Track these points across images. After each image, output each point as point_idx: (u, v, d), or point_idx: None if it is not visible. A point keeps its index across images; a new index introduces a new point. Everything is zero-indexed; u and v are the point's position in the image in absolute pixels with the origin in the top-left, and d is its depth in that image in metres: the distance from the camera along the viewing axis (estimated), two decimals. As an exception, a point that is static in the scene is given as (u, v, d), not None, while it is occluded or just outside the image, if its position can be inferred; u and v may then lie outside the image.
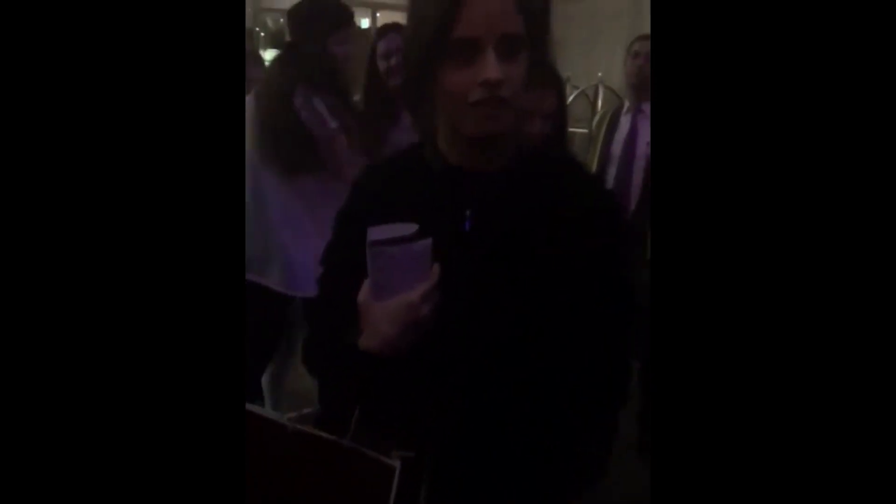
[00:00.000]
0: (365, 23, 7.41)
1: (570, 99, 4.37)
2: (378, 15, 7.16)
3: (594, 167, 2.47)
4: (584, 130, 3.60)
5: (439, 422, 0.78)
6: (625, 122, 2.47)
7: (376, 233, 0.69)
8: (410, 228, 0.69)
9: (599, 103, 4.31)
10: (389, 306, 0.70)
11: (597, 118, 2.83)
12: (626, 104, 2.52)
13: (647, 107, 2.46)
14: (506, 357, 0.74)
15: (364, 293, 0.72)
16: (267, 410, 0.79)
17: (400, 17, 2.13)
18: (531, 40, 0.73)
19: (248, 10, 5.51)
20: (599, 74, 4.42)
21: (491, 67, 0.69)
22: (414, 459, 0.71)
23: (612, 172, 2.42)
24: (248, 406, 0.74)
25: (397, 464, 0.70)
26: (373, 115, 2.02)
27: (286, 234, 1.81)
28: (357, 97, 2.10)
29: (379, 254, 0.69)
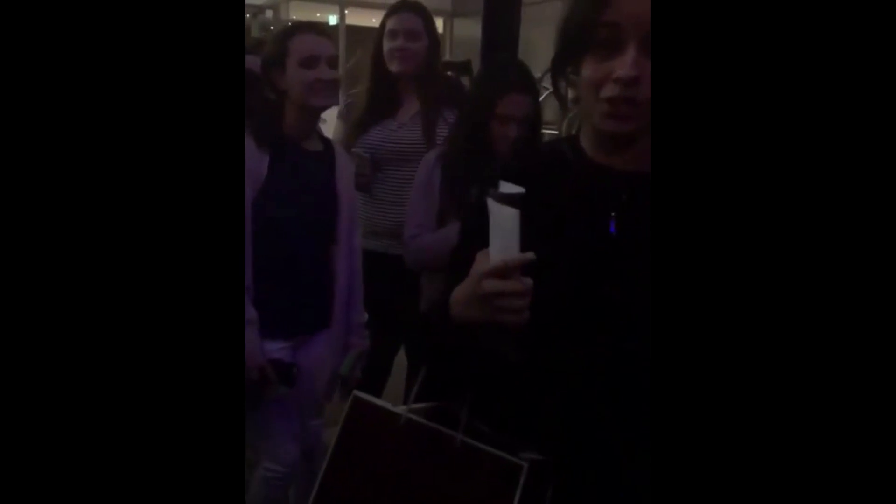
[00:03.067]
0: (332, 19, 7.35)
1: (541, 99, 4.38)
2: (346, 12, 7.10)
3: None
4: (555, 132, 3.61)
5: (565, 424, 0.75)
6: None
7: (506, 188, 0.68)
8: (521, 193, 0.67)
9: (569, 104, 4.32)
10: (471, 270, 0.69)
11: (566, 121, 2.83)
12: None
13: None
14: (637, 364, 0.71)
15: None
16: (379, 400, 0.77)
17: (370, 15, 2.02)
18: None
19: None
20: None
21: (629, 63, 0.67)
22: (541, 462, 0.69)
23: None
24: (358, 394, 0.76)
25: (525, 464, 0.67)
26: (376, 101, 1.87)
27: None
28: (354, 91, 1.99)
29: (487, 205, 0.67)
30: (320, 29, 1.51)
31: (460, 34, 7.66)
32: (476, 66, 2.35)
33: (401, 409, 0.74)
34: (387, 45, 1.82)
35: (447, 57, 7.17)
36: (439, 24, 7.83)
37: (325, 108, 1.50)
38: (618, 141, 0.74)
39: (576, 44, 0.71)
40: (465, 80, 2.32)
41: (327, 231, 1.56)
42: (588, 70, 0.70)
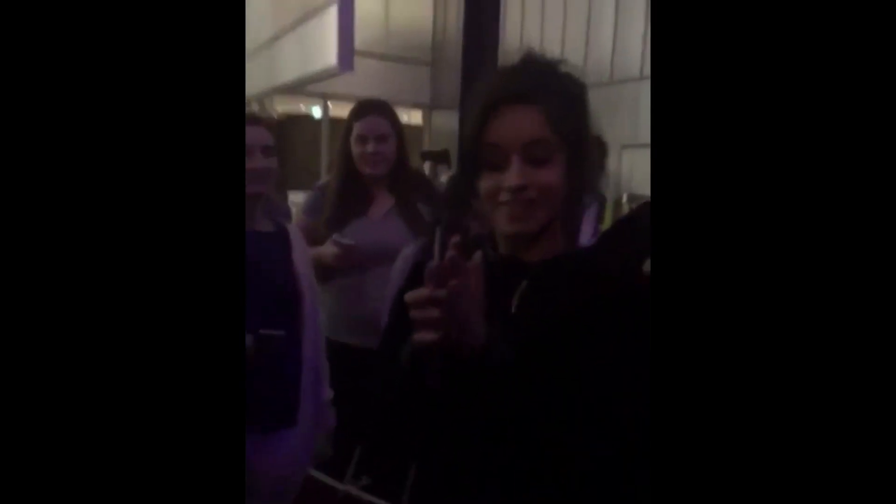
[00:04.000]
0: (317, 112, 7.60)
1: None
2: (329, 105, 7.36)
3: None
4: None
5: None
6: (569, 214, 2.56)
7: None
8: None
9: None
10: None
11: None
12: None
13: (587, 200, 2.55)
14: (539, 439, 0.76)
15: None
16: (325, 476, 0.77)
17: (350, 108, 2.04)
18: (565, 144, 0.78)
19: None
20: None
21: (514, 175, 0.76)
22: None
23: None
24: (311, 471, 0.75)
25: None
26: (344, 201, 1.85)
27: None
28: (321, 182, 1.98)
29: None
30: (251, 118, 1.51)
31: (438, 125, 7.95)
32: (454, 155, 2.43)
33: (340, 485, 0.75)
34: (357, 149, 1.82)
35: (425, 147, 7.39)
36: (417, 116, 8.14)
37: (258, 195, 1.47)
38: (519, 239, 0.82)
39: (469, 162, 0.81)
40: (443, 169, 2.39)
41: (288, 314, 1.51)
42: (483, 184, 0.79)
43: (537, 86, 0.79)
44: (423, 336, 0.68)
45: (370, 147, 1.81)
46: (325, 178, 2.01)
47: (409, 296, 0.68)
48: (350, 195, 1.85)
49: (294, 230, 1.60)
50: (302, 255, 1.57)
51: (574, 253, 0.89)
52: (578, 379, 0.76)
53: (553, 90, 0.80)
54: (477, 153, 0.79)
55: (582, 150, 0.83)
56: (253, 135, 1.44)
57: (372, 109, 1.84)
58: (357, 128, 1.82)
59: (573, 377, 0.77)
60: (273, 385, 1.48)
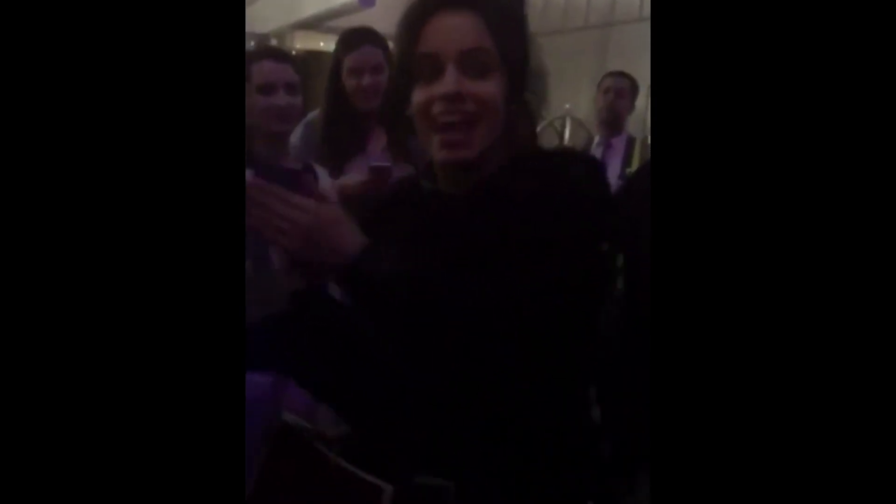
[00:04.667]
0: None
1: (538, 130, 4.42)
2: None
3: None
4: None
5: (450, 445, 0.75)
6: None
7: None
8: None
9: (567, 135, 4.40)
10: None
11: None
12: (596, 139, 2.57)
13: (615, 141, 2.51)
14: (498, 370, 0.71)
15: None
16: (295, 420, 0.78)
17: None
18: (505, 61, 0.72)
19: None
20: (567, 106, 4.51)
21: (449, 81, 0.69)
22: (437, 487, 0.69)
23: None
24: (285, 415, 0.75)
25: (389, 489, 0.68)
26: (336, 140, 1.75)
27: None
28: (310, 117, 1.86)
29: None
30: (278, 55, 1.48)
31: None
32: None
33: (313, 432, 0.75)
34: (350, 82, 1.70)
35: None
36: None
37: (286, 133, 1.46)
38: (457, 171, 0.75)
39: (402, 77, 0.74)
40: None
41: None
42: (416, 97, 0.73)
43: None
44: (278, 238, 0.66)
45: (366, 80, 1.69)
46: (312, 113, 1.87)
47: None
48: (346, 132, 1.76)
49: (320, 169, 1.58)
50: (330, 195, 1.55)
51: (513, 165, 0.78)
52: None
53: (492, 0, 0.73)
54: (411, 64, 0.72)
55: (523, 72, 0.76)
56: (277, 72, 1.41)
57: (364, 39, 1.71)
58: (350, 60, 1.70)
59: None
60: None
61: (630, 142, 2.53)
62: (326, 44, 7.59)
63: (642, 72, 3.33)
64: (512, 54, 0.74)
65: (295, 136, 1.85)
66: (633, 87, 2.58)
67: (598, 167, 0.82)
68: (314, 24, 6.01)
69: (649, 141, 2.71)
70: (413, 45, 0.72)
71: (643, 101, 2.85)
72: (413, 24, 0.72)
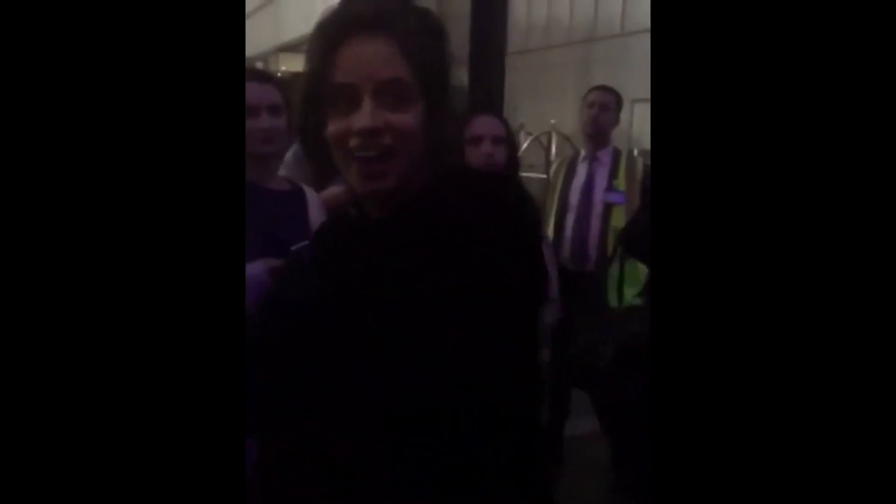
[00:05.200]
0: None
1: (525, 145, 4.46)
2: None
3: (553, 214, 2.51)
4: (543, 176, 3.68)
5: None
6: (581, 171, 2.54)
7: None
8: None
9: (553, 149, 4.43)
10: None
11: (554, 166, 2.90)
12: (583, 153, 2.59)
13: (602, 154, 2.53)
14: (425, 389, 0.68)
15: None
16: None
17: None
18: (424, 90, 0.69)
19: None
20: (552, 122, 4.55)
21: (365, 115, 0.65)
22: None
23: (570, 219, 2.46)
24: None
25: None
26: (313, 160, 1.80)
27: None
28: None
29: None
30: (260, 76, 1.44)
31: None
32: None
33: None
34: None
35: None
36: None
37: (271, 155, 1.43)
38: (376, 199, 0.72)
39: (313, 104, 0.70)
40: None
41: None
42: (331, 127, 0.69)
43: (391, 14, 0.67)
44: None
45: (264, 121, 1.66)
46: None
47: None
48: (321, 157, 1.74)
49: (310, 190, 1.56)
50: (318, 215, 1.53)
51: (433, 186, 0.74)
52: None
53: (409, 22, 0.68)
54: (324, 94, 0.68)
55: (445, 99, 0.71)
56: (260, 93, 1.39)
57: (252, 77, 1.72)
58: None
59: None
60: None
61: (616, 154, 2.56)
62: (311, 65, 7.65)
63: (625, 86, 3.37)
64: (431, 80, 0.69)
65: (288, 155, 1.86)
66: (618, 101, 2.61)
67: (522, 189, 0.80)
68: (298, 46, 6.03)
69: (635, 153, 2.74)
70: (327, 73, 0.67)
71: (627, 115, 2.88)
72: (326, 48, 0.67)
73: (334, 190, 1.70)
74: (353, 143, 0.67)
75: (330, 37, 0.67)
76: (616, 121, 2.62)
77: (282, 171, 1.82)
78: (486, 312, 0.66)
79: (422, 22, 0.70)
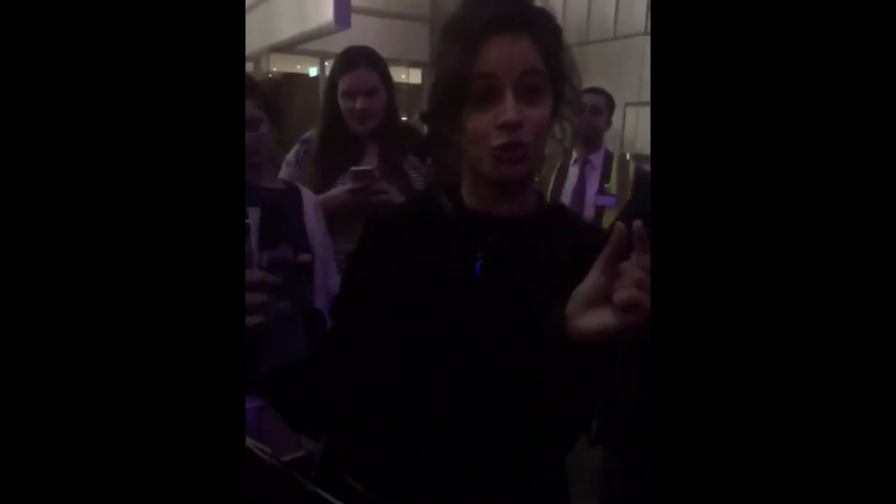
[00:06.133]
0: (313, 71, 7.47)
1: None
2: (326, 64, 7.22)
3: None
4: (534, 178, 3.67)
5: (423, 472, 0.75)
6: (573, 173, 2.53)
7: None
8: None
9: (546, 152, 4.41)
10: None
11: (544, 168, 2.89)
12: (574, 156, 2.58)
13: (594, 158, 2.52)
14: (499, 402, 0.72)
15: None
16: (256, 444, 0.76)
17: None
18: (553, 81, 0.75)
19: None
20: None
21: (510, 109, 0.70)
22: None
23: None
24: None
25: None
26: (329, 159, 1.75)
27: None
28: (308, 135, 1.87)
29: None
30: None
31: (438, 85, 7.79)
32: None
33: (275, 455, 0.75)
34: (344, 104, 1.72)
35: (424, 107, 7.25)
36: (417, 74, 8.00)
37: (254, 165, 1.44)
38: (506, 187, 0.77)
39: (452, 98, 0.73)
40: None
41: (299, 274, 1.52)
42: (471, 122, 0.73)
43: (527, 14, 0.74)
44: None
45: (358, 103, 1.69)
46: (310, 131, 1.89)
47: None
48: (338, 152, 1.75)
49: (306, 191, 1.56)
50: (314, 213, 1.53)
51: (553, 209, 0.84)
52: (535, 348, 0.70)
53: (540, 21, 0.75)
54: (466, 86, 0.72)
55: (565, 92, 0.78)
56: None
57: (358, 62, 1.71)
58: (343, 83, 1.70)
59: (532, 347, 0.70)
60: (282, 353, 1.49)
61: (608, 157, 2.55)
62: (303, 66, 7.63)
63: (618, 89, 3.37)
64: (559, 78, 0.76)
65: (290, 154, 1.86)
66: (610, 104, 2.60)
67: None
68: (290, 47, 6.02)
69: (628, 157, 2.74)
70: (470, 66, 0.71)
71: (619, 118, 2.88)
72: (471, 43, 0.71)
73: (335, 191, 1.70)
74: (496, 138, 0.72)
75: (476, 32, 0.71)
76: (608, 124, 2.62)
77: (284, 171, 1.84)
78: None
79: (549, 24, 0.76)
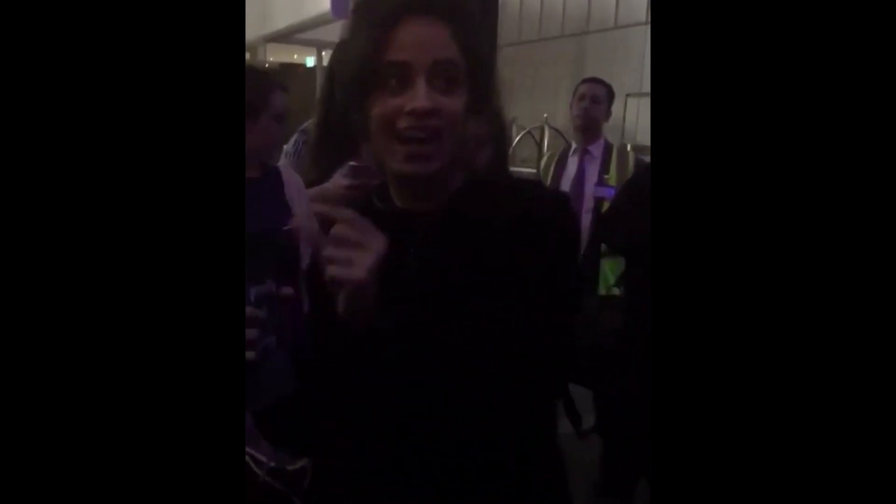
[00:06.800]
0: (310, 61, 7.42)
1: (517, 140, 4.44)
2: (324, 54, 7.18)
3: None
4: (532, 170, 3.65)
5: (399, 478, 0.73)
6: (572, 164, 2.50)
7: None
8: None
9: (545, 144, 4.39)
10: None
11: (544, 159, 2.85)
12: (573, 146, 2.55)
13: (593, 148, 2.49)
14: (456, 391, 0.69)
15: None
16: (257, 454, 0.73)
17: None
18: (470, 75, 0.70)
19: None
20: (545, 116, 4.52)
21: (421, 96, 0.66)
22: None
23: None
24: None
25: None
26: (327, 148, 1.73)
27: None
28: (307, 125, 1.88)
29: None
30: None
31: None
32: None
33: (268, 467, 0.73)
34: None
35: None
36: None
37: None
38: (418, 185, 0.72)
39: (359, 85, 0.69)
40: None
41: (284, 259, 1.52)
42: (378, 108, 0.68)
43: None
44: (341, 273, 0.62)
45: None
46: (308, 121, 1.88)
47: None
48: (336, 143, 1.70)
49: (287, 170, 1.58)
50: (294, 187, 1.56)
51: (475, 185, 0.77)
52: (486, 336, 0.67)
53: (462, 7, 0.70)
54: (374, 72, 0.67)
55: (486, 86, 0.73)
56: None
57: None
58: None
59: (481, 335, 0.67)
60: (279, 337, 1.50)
61: (607, 148, 2.52)
62: (300, 56, 7.58)
63: (619, 79, 3.34)
64: (477, 67, 0.71)
65: (288, 145, 1.87)
66: (609, 94, 2.56)
67: (568, 204, 0.82)
68: (287, 37, 5.98)
69: (628, 148, 2.70)
70: (380, 52, 0.67)
71: (620, 109, 2.84)
72: (381, 27, 0.67)
73: (331, 185, 1.69)
74: (404, 122, 0.67)
75: (383, 16, 0.67)
76: (608, 114, 2.58)
77: (283, 161, 1.86)
78: (515, 323, 0.66)
79: (467, 9, 0.71)
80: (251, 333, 0.65)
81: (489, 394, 0.66)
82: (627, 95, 4.87)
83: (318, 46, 7.05)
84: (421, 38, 0.67)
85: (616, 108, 2.72)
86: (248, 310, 0.66)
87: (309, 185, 1.76)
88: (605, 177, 2.46)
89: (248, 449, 0.71)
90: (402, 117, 0.67)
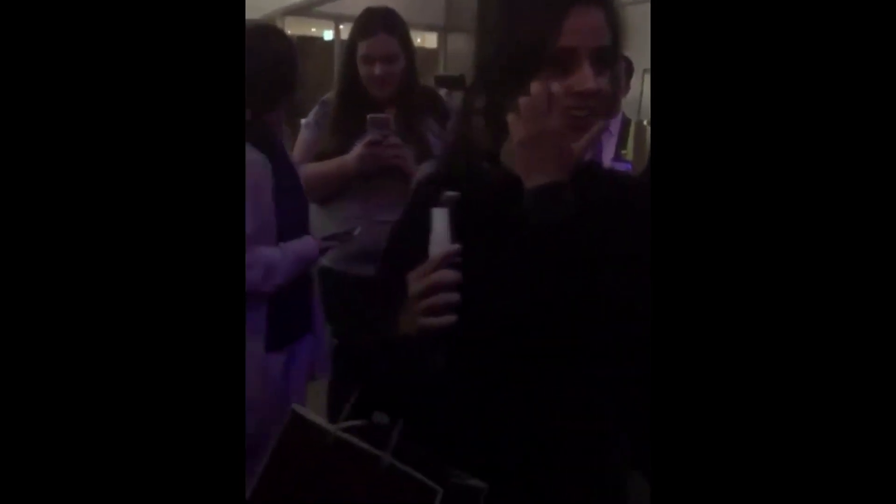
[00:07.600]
0: (328, 35, 7.38)
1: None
2: (341, 27, 7.13)
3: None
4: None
5: (498, 443, 0.77)
6: (589, 139, 2.50)
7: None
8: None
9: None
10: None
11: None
12: (591, 121, 2.55)
13: (611, 124, 2.48)
14: (547, 374, 0.76)
15: None
16: (313, 414, 0.76)
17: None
18: (616, 58, 0.79)
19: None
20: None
21: (589, 78, 0.73)
22: (466, 487, 0.69)
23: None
24: (295, 407, 0.75)
25: (439, 491, 0.67)
26: (347, 121, 1.76)
27: None
28: (327, 97, 1.90)
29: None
30: None
31: (454, 49, 7.69)
32: (469, 80, 2.34)
33: (331, 427, 0.72)
34: (363, 69, 1.72)
35: (441, 71, 7.18)
36: (432, 39, 7.87)
37: None
38: (551, 153, 0.77)
39: (523, 68, 0.75)
40: (460, 95, 2.31)
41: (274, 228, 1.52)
42: (551, 87, 0.74)
43: None
44: (434, 322, 0.71)
45: (377, 69, 1.69)
46: (329, 93, 1.89)
47: (417, 287, 0.71)
48: (356, 115, 1.74)
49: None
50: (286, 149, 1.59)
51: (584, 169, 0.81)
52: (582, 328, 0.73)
53: None
54: (544, 58, 0.74)
55: (618, 64, 0.81)
56: None
57: (378, 27, 1.69)
58: (362, 47, 1.69)
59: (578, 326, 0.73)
60: (293, 297, 1.55)
61: (625, 123, 2.51)
62: (318, 29, 7.53)
63: (638, 55, 3.30)
64: (619, 51, 0.80)
65: (310, 116, 1.88)
66: (629, 68, 2.54)
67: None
68: (305, 10, 5.94)
69: (645, 123, 2.69)
70: (552, 38, 0.73)
71: (638, 84, 2.82)
72: (552, 16, 0.74)
73: (348, 157, 1.71)
74: (570, 102, 0.74)
75: (558, 6, 0.74)
76: (626, 89, 2.57)
77: (304, 133, 1.87)
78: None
79: None
80: (455, 297, 0.72)
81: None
82: (645, 71, 4.79)
83: (336, 20, 6.99)
84: (587, 26, 0.74)
85: (634, 83, 2.70)
86: (456, 274, 0.72)
87: (328, 156, 1.77)
88: (623, 152, 2.46)
89: (302, 409, 0.74)
90: (569, 97, 0.74)
